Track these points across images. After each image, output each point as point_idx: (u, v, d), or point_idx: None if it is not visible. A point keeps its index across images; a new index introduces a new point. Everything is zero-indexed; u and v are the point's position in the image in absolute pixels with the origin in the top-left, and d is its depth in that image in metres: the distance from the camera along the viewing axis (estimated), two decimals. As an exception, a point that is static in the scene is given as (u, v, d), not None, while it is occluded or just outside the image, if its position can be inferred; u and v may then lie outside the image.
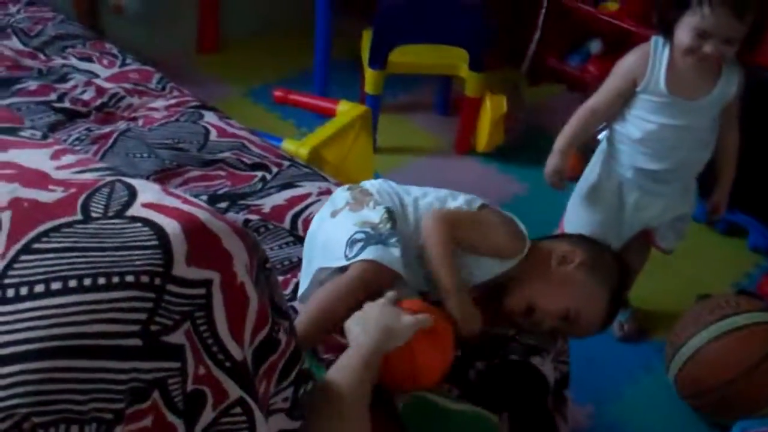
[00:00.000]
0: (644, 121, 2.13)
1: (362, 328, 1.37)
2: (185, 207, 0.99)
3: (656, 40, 2.10)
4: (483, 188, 3.00)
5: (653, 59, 2.09)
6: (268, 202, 1.97)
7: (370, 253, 1.49)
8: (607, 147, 2.28)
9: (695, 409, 2.23)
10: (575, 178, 3.04)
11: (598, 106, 2.20)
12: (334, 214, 1.65)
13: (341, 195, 1.70)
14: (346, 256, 1.51)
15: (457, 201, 1.67)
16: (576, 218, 2.38)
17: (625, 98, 2.16)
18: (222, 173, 2.06)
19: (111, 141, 2.09)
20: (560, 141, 2.24)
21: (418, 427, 1.38)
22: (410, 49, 2.96)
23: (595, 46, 3.48)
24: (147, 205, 0.98)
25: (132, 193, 1.00)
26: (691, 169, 2.24)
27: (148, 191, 1.02)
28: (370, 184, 1.71)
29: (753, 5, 1.94)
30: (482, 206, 1.68)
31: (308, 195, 1.99)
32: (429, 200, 1.66)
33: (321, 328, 1.47)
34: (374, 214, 1.58)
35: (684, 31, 1.99)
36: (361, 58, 3.12)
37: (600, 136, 3.08)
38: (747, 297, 2.27)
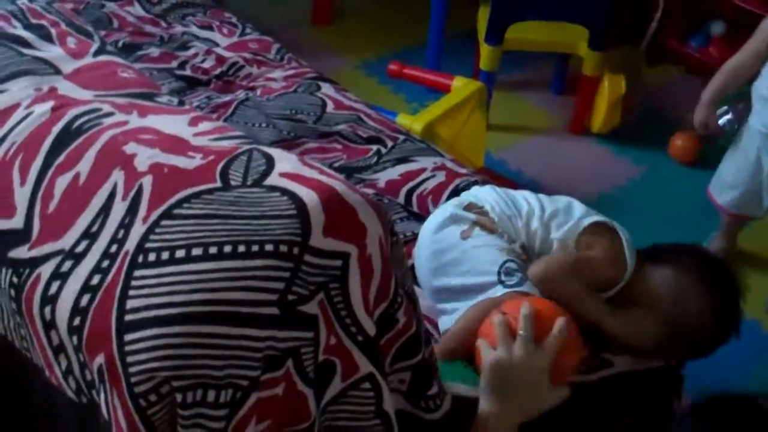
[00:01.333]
0: None
1: (505, 391, 1.28)
2: (323, 178, 0.98)
3: None
4: (597, 170, 2.95)
5: None
6: (383, 177, 1.96)
7: (528, 288, 1.48)
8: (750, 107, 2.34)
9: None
10: (692, 162, 2.96)
11: (739, 65, 2.32)
12: (464, 235, 1.58)
13: (459, 213, 1.63)
14: (502, 282, 1.49)
15: (561, 229, 1.58)
16: (719, 186, 2.52)
17: (763, 58, 2.23)
18: (338, 146, 2.06)
19: (231, 110, 2.12)
20: (706, 94, 2.39)
21: None
22: (527, 25, 2.90)
23: (718, 28, 3.35)
24: (285, 175, 0.98)
25: (270, 162, 1.01)
26: None
27: (285, 161, 1.02)
28: (484, 200, 1.65)
29: None
30: (592, 226, 1.59)
31: (423, 170, 1.97)
32: (535, 226, 1.59)
33: (466, 347, 1.43)
34: (516, 247, 1.57)
35: None
36: (476, 32, 3.08)
37: (721, 122, 3.00)
38: None
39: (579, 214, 1.61)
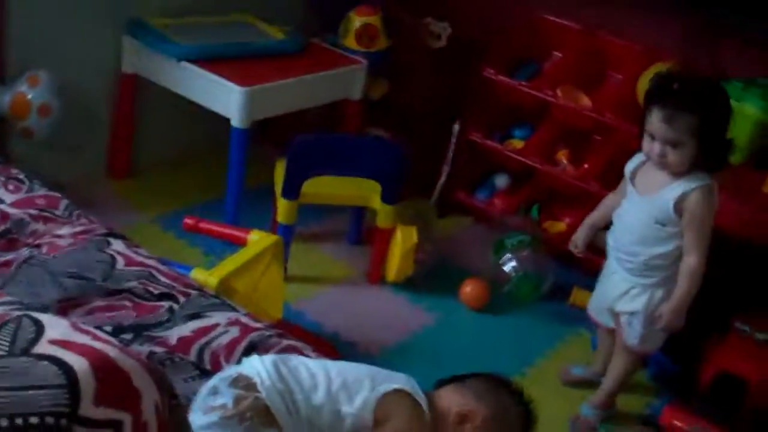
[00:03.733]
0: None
1: None
2: (95, 344, 0.97)
3: None
4: (394, 319, 3.02)
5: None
6: (175, 333, 1.92)
7: None
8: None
9: None
10: (481, 308, 3.10)
11: (612, 203, 2.63)
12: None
13: (221, 386, 1.50)
14: None
15: (353, 402, 1.51)
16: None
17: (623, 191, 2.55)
18: (128, 303, 2.01)
19: (12, 268, 2.03)
20: (588, 219, 2.69)
21: None
22: (323, 179, 3.00)
23: (501, 181, 3.58)
24: (55, 342, 0.96)
25: (39, 329, 0.98)
26: (634, 258, 2.45)
27: (56, 327, 0.99)
28: (255, 372, 1.52)
29: (683, 117, 2.26)
30: (383, 397, 1.54)
31: (216, 326, 1.94)
32: (320, 399, 1.51)
33: None
34: None
35: (644, 135, 2.36)
36: (273, 186, 3.14)
37: (506, 268, 3.17)
38: (649, 429, 2.31)
39: (369, 384, 1.54)
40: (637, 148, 2.58)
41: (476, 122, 3.48)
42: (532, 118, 3.48)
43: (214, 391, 1.49)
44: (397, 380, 1.59)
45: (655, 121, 2.29)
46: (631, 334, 2.51)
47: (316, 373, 1.54)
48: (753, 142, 2.88)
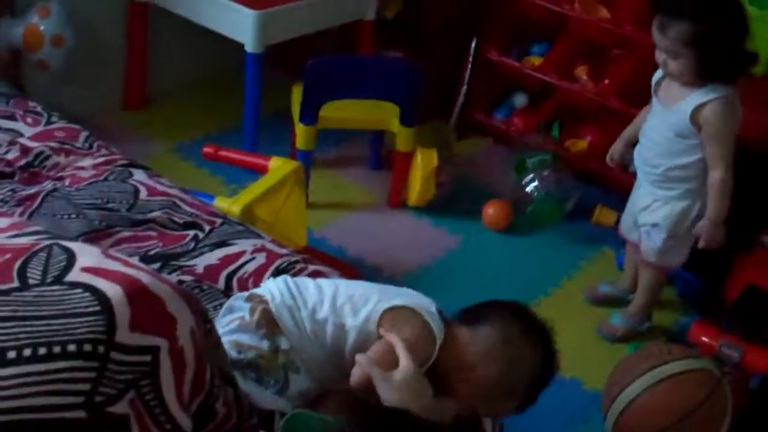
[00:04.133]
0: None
1: None
2: (127, 270, 0.96)
3: None
4: (417, 243, 3.01)
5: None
6: (201, 262, 1.92)
7: None
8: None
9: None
10: (504, 229, 3.08)
11: (640, 119, 2.60)
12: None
13: (235, 303, 1.60)
14: None
15: (358, 316, 1.52)
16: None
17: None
18: (153, 233, 2.01)
19: (37, 202, 2.03)
20: (624, 133, 2.66)
21: None
22: (341, 104, 2.97)
23: (520, 100, 3.54)
24: (87, 270, 0.95)
25: (71, 258, 0.97)
26: (655, 170, 2.46)
27: (87, 255, 0.98)
28: (269, 290, 1.58)
29: (675, 25, 2.23)
30: (387, 311, 1.53)
31: (242, 253, 1.95)
32: (324, 314, 1.53)
33: None
34: (264, 347, 1.51)
35: None
36: (290, 112, 3.11)
37: (528, 189, 3.15)
38: (679, 345, 2.30)
39: (376, 298, 1.54)
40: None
41: (493, 40, 3.42)
42: (549, 33, 3.41)
43: (230, 310, 1.58)
44: (410, 297, 1.57)
45: (653, 29, 2.27)
46: (650, 246, 2.50)
47: (324, 290, 1.57)
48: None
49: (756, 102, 2.71)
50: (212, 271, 1.89)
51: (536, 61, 3.39)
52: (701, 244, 2.43)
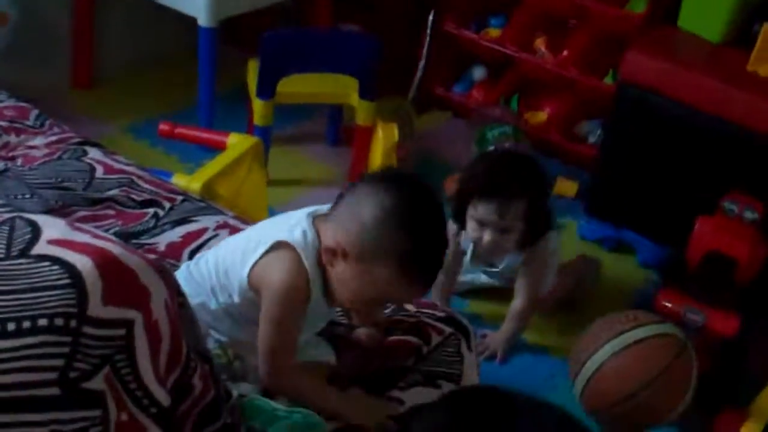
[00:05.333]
0: None
1: None
2: (96, 242, 0.92)
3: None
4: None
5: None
6: (163, 240, 1.89)
7: None
8: None
9: (602, 424, 2.25)
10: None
11: None
12: None
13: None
14: None
15: (233, 295, 1.53)
16: None
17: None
18: (111, 212, 1.96)
19: (-12, 182, 1.96)
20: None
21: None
22: (298, 78, 2.91)
23: (479, 73, 3.51)
24: (53, 242, 0.90)
25: (36, 230, 0.93)
26: None
27: (52, 227, 0.94)
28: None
29: (513, 211, 2.30)
30: (251, 272, 1.49)
31: (205, 229, 1.93)
32: (215, 306, 1.55)
33: None
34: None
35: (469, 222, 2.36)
36: (246, 90, 3.06)
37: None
38: (644, 311, 2.32)
39: (240, 263, 1.51)
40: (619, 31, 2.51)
41: (451, 12, 3.39)
42: (507, 5, 3.39)
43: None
44: (272, 232, 1.51)
45: (486, 211, 2.31)
46: None
47: (206, 281, 1.57)
48: (733, 20, 2.83)
49: (716, 71, 2.73)
50: (175, 248, 1.86)
51: (494, 33, 3.37)
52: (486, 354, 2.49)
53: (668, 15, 2.95)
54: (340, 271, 1.44)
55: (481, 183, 2.33)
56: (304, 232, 1.47)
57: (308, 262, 1.44)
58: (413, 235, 1.41)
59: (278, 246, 1.46)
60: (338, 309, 1.65)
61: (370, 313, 1.55)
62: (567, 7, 3.21)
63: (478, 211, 2.32)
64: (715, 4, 2.82)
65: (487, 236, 2.33)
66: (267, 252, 1.46)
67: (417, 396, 1.60)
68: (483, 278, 2.67)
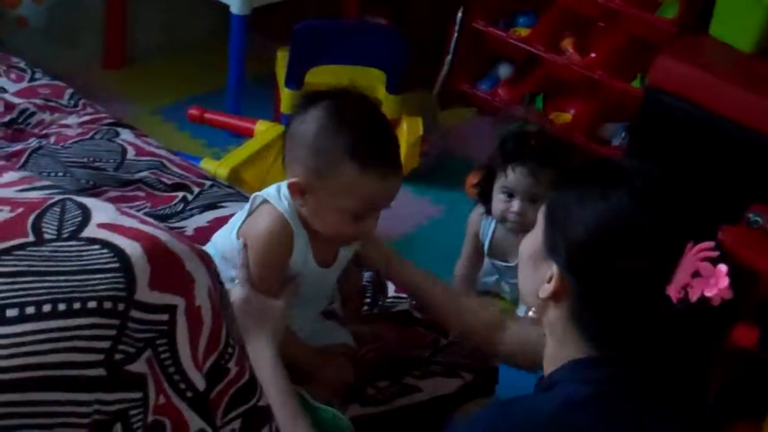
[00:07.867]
0: None
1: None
2: (144, 227, 0.94)
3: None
4: (400, 211, 2.97)
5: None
6: (191, 224, 1.91)
7: None
8: None
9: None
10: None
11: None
12: None
13: None
14: None
15: (235, 226, 1.54)
16: None
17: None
18: (141, 194, 1.99)
19: (23, 159, 1.99)
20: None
21: None
22: (327, 69, 2.93)
23: (505, 70, 3.52)
24: (103, 226, 0.93)
25: (86, 213, 0.95)
26: None
27: (102, 211, 0.96)
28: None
29: (544, 178, 2.21)
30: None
31: (233, 216, 1.93)
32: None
33: None
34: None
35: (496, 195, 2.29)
36: (273, 78, 3.07)
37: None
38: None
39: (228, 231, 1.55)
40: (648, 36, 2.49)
41: (480, 9, 3.40)
42: (537, 4, 3.40)
43: None
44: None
45: (518, 177, 2.24)
46: None
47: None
48: (765, 30, 2.83)
49: (744, 80, 2.73)
50: (203, 233, 1.87)
51: (523, 32, 3.37)
52: None
53: (699, 22, 2.95)
54: (312, 204, 1.45)
55: (512, 149, 2.29)
56: (278, 187, 1.50)
57: (288, 215, 1.46)
58: (351, 125, 1.45)
59: (258, 204, 1.51)
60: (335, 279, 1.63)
61: (364, 229, 1.52)
62: (596, 9, 3.21)
63: (508, 178, 2.26)
64: (747, 13, 2.82)
65: (515, 206, 2.26)
66: (250, 214, 1.51)
67: (435, 385, 1.62)
68: (494, 279, 2.65)
